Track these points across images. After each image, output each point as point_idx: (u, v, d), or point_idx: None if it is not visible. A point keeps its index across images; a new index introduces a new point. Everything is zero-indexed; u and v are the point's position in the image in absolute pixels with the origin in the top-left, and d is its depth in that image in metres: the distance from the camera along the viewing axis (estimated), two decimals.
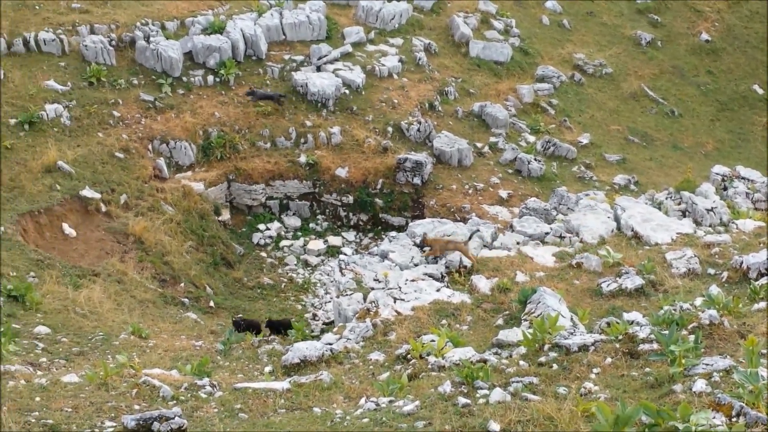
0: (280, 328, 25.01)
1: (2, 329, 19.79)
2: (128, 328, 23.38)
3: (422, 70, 43.49)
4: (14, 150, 31.81)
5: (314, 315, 29.43)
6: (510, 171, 38.61)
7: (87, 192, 31.23)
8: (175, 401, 14.87)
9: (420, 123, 39.33)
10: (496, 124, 41.39)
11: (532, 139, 41.62)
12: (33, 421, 13.18)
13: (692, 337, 12.46)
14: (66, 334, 22.20)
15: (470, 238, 25.25)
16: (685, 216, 27.77)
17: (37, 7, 39.40)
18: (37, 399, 14.38)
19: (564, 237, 26.59)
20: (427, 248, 25.12)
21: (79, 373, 16.66)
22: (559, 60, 48.77)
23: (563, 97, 45.84)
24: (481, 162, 38.97)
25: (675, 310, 16.07)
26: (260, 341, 23.42)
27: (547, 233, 27.08)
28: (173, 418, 12.30)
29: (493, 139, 40.49)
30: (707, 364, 11.55)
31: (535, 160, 38.88)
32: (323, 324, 26.06)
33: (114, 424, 13.01)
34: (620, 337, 14.31)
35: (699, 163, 42.02)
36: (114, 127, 35.24)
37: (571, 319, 18.45)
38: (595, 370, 13.34)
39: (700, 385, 10.68)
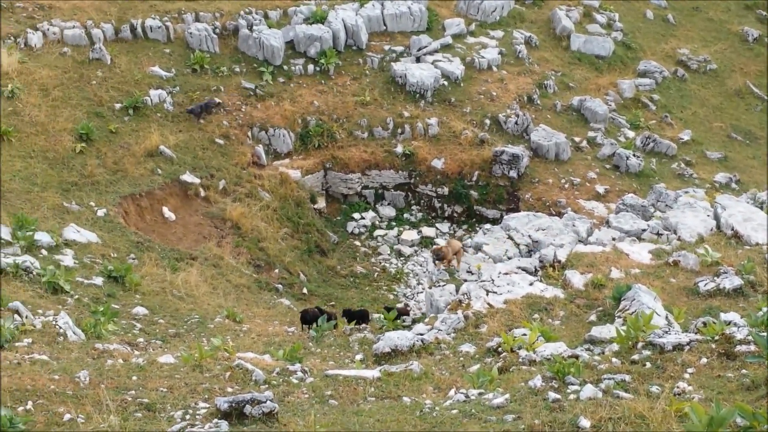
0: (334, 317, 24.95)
1: (102, 309, 20.28)
2: (223, 312, 23.75)
3: (522, 62, 43.21)
4: (119, 134, 32.52)
5: (406, 305, 29.52)
6: (608, 166, 38.14)
7: (187, 177, 31.79)
8: (267, 385, 15.08)
9: (518, 116, 39.10)
10: (595, 118, 40.91)
11: (631, 134, 41.05)
12: (129, 399, 13.50)
13: None
14: (163, 316, 22.65)
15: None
16: None
17: None
18: (134, 378, 14.71)
19: (661, 234, 26.18)
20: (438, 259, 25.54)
21: (174, 354, 17.00)
22: (662, 55, 47.96)
23: (665, 93, 45.08)
24: (578, 156, 38.58)
25: None
26: (351, 329, 23.59)
27: (644, 230, 26.70)
28: (265, 402, 12.47)
29: (591, 134, 40.04)
30: None
31: (634, 155, 38.33)
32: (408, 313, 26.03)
33: (207, 406, 13.25)
34: (716, 338, 14.06)
35: None
36: (215, 114, 35.77)
37: (666, 317, 18.18)
38: (689, 370, 13.13)
39: None
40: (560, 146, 38.03)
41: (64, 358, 15.91)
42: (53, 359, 15.58)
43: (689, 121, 43.65)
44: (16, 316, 17.97)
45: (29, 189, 27.75)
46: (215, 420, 12.02)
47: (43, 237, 24.28)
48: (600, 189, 36.13)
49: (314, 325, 23.57)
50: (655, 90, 44.97)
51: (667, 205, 30.05)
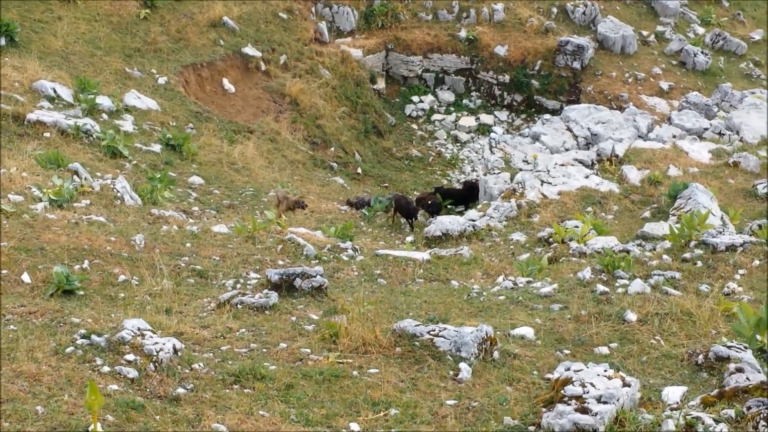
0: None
1: (159, 176, 20.50)
2: (277, 186, 23.91)
3: None
4: (183, 2, 32.29)
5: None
6: (674, 62, 37.39)
7: (249, 49, 31.66)
8: (317, 261, 15.27)
9: (586, 6, 38.29)
10: (666, 12, 39.97)
11: (701, 31, 40.11)
12: (183, 265, 13.77)
13: None
14: (218, 186, 22.87)
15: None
16: None
17: None
18: (188, 245, 14.96)
19: (723, 134, 25.81)
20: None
21: (228, 224, 17.22)
22: None
23: None
24: (644, 51, 37.82)
25: None
26: None
27: (706, 129, 26.31)
28: (315, 277, 12.66)
29: (660, 28, 39.17)
30: None
31: (702, 53, 37.51)
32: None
33: (258, 276, 13.48)
34: None
35: None
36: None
37: (722, 218, 18.07)
38: (740, 271, 13.12)
39: None
40: (627, 39, 37.27)
41: (120, 221, 16.20)
42: (110, 221, 15.87)
43: (762, 20, 42.46)
44: (75, 177, 18.25)
45: (92, 52, 27.82)
46: (265, 290, 12.23)
47: (104, 101, 24.42)
48: (664, 85, 35.51)
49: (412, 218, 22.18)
50: None
51: (731, 105, 29.54)
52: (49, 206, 16.16)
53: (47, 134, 21.00)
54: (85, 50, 27.64)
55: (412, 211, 21.97)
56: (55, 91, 23.70)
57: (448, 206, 24.17)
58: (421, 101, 36.15)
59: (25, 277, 12.02)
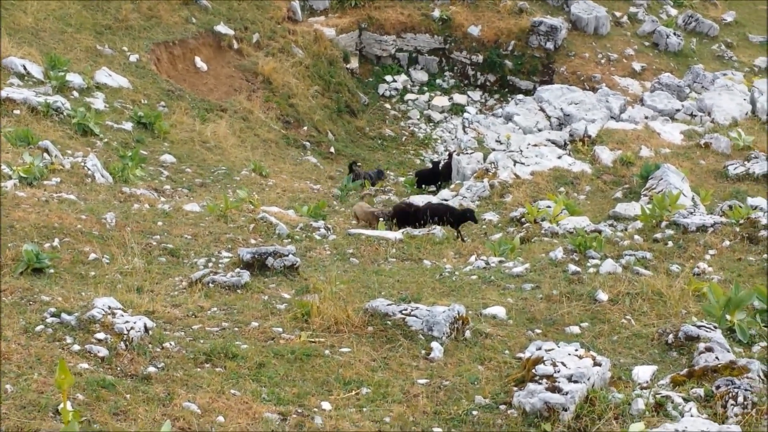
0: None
1: (130, 154, 20.37)
2: (250, 165, 23.85)
3: None
4: None
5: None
6: (647, 44, 37.49)
7: (221, 28, 31.47)
8: (289, 240, 15.25)
9: None
10: None
11: (673, 12, 40.25)
12: (154, 243, 13.69)
13: None
14: (190, 165, 22.76)
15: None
16: None
17: None
18: (160, 223, 14.87)
19: (695, 115, 25.93)
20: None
21: (200, 203, 17.15)
22: None
23: None
24: (617, 32, 37.92)
25: None
26: (377, 191, 23.68)
27: (677, 110, 26.42)
28: (287, 256, 12.62)
29: (633, 9, 39.28)
30: None
31: (675, 34, 37.63)
32: None
33: (230, 255, 13.42)
34: (741, 222, 14.09)
35: None
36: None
37: (693, 198, 18.18)
38: (711, 252, 13.20)
39: None
40: (600, 20, 37.34)
41: (91, 200, 16.08)
42: (81, 199, 15.75)
43: (734, 1, 42.69)
44: (45, 154, 18.09)
45: (63, 29, 27.54)
46: (237, 269, 12.19)
47: (75, 78, 24.22)
48: (637, 66, 35.62)
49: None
50: None
51: (703, 87, 29.66)
52: (19, 184, 16.02)
53: (17, 111, 20.80)
54: (55, 27, 27.36)
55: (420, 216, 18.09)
56: (25, 68, 23.46)
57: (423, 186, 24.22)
58: (394, 81, 36.10)
59: None
